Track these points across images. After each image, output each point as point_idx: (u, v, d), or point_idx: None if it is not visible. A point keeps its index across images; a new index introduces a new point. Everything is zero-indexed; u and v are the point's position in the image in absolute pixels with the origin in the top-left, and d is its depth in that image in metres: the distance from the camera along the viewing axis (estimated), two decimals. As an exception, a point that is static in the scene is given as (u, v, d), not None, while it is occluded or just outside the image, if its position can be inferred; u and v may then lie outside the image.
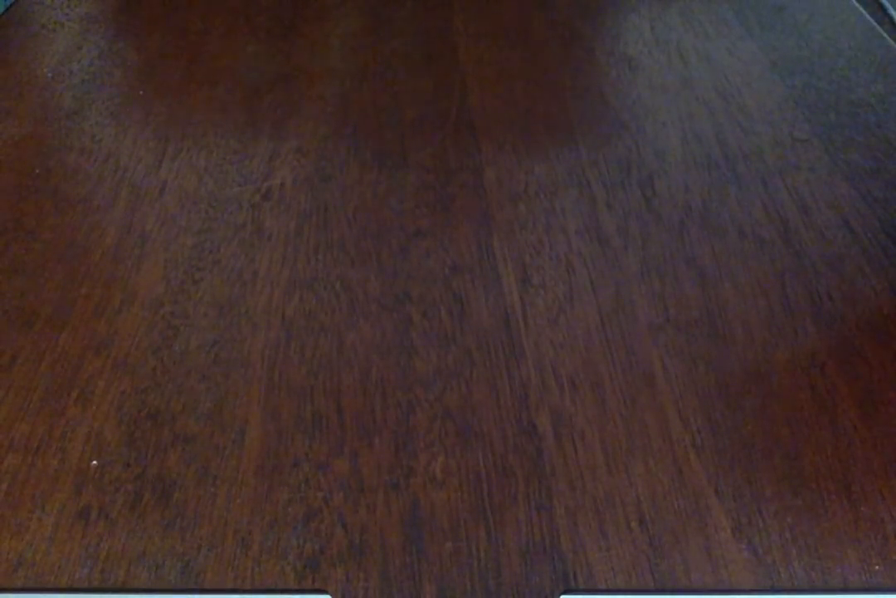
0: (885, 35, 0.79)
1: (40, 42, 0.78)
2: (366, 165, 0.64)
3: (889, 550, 0.40)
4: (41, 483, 0.43)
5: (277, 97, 0.71)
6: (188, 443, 0.45)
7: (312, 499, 0.42)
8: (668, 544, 0.41)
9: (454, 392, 0.47)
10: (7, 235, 0.57)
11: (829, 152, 0.65)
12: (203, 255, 0.56)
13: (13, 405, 0.47)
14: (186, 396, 0.47)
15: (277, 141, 0.66)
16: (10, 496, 0.43)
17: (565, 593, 0.39)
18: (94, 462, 0.44)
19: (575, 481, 0.43)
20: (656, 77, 0.73)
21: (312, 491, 0.43)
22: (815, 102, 0.70)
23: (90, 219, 0.59)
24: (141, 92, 0.72)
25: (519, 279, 0.54)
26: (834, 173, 0.63)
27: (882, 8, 0.86)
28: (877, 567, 0.40)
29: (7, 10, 0.83)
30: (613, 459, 0.44)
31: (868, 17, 0.82)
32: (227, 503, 0.42)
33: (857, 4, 0.83)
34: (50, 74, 0.74)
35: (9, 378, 0.48)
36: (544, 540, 0.41)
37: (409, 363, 0.49)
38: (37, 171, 0.63)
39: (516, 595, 0.39)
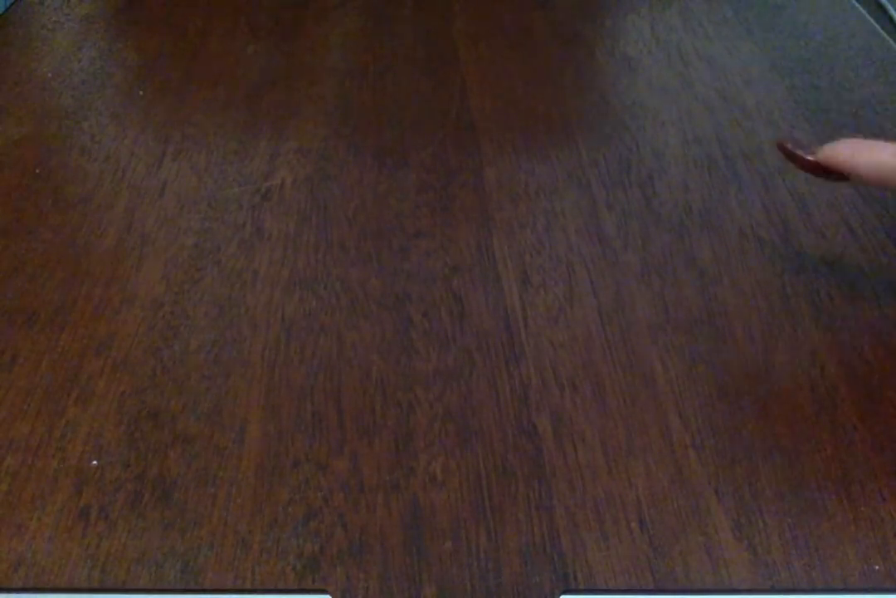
0: (885, 35, 0.79)
1: (40, 42, 0.78)
2: (366, 165, 0.64)
3: (889, 550, 0.40)
4: (41, 483, 0.43)
5: (277, 97, 0.71)
6: (188, 443, 0.45)
7: (312, 499, 0.42)
8: (668, 544, 0.41)
9: (454, 392, 0.47)
10: (7, 235, 0.57)
11: (829, 152, 0.64)
12: (203, 255, 0.56)
13: (13, 405, 0.47)
14: (186, 396, 0.47)
15: (277, 141, 0.66)
16: (10, 496, 0.43)
17: (565, 593, 0.39)
18: (95, 462, 0.44)
19: (575, 482, 0.43)
20: (656, 77, 0.73)
21: (312, 491, 0.43)
22: (815, 101, 0.70)
23: (90, 219, 0.59)
24: (141, 92, 0.72)
25: (519, 279, 0.54)
26: (834, 173, 0.62)
27: (882, 8, 0.86)
28: (877, 567, 0.40)
29: (7, 10, 0.83)
30: (613, 459, 0.44)
31: (868, 17, 0.82)
32: (227, 503, 0.42)
33: (857, 4, 0.83)
34: (50, 74, 0.74)
35: (9, 378, 0.48)
36: (544, 540, 0.41)
37: (409, 363, 0.49)
38: (37, 171, 0.63)
39: (516, 595, 0.39)
